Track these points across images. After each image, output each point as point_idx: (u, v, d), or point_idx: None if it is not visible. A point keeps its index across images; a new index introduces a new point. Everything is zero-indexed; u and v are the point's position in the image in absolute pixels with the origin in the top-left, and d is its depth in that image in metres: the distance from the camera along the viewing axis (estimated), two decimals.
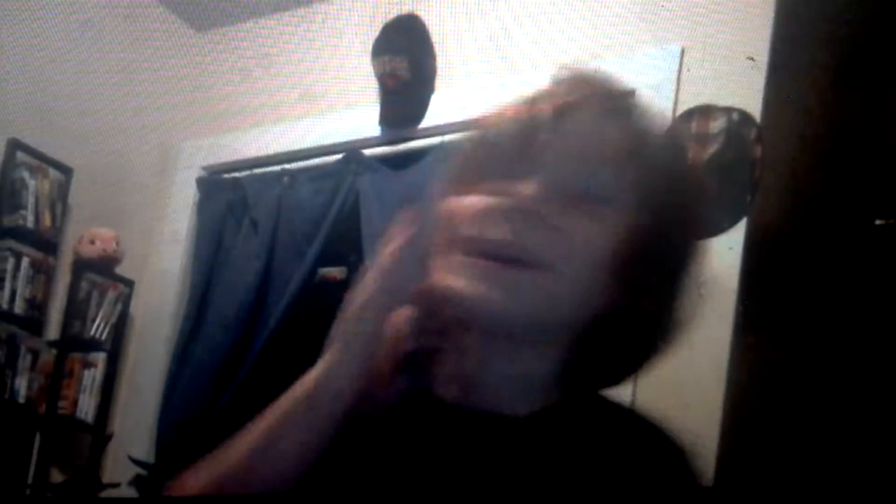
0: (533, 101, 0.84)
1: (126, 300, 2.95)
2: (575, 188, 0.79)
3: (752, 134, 2.21)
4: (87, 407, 2.84)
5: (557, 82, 0.86)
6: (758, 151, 2.18)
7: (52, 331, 2.86)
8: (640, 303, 0.81)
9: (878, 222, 1.39)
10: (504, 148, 0.82)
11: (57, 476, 2.82)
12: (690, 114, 2.33)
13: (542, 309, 0.77)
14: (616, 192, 0.80)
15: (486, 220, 0.78)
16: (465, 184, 0.82)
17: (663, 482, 0.77)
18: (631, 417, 0.84)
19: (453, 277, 0.77)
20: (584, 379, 0.83)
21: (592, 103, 0.83)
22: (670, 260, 0.83)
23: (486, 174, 0.81)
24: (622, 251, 0.79)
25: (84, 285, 2.86)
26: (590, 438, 0.79)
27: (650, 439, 0.80)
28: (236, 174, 3.04)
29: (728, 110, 2.27)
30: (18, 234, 2.75)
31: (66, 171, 2.87)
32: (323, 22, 2.95)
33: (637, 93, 2.36)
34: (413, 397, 0.82)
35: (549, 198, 0.78)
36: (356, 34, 2.76)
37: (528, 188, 0.78)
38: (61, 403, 2.80)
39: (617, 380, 0.85)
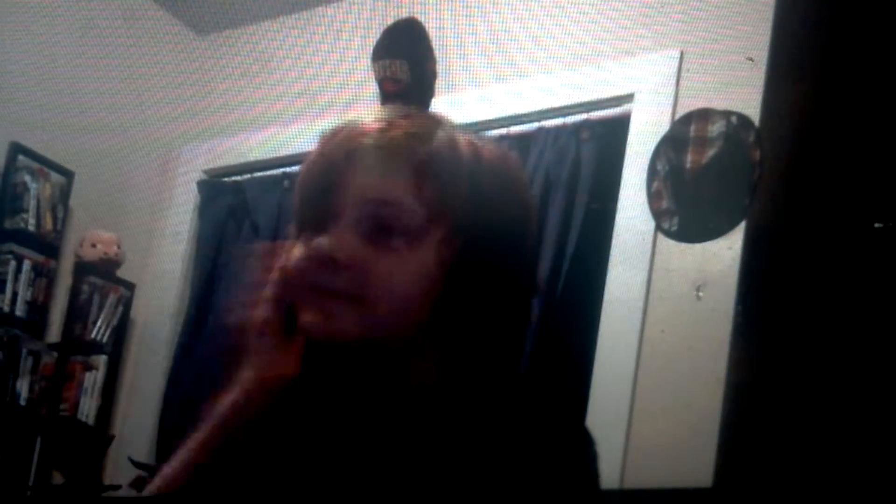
0: (330, 143, 0.89)
1: (127, 303, 2.95)
2: (368, 225, 0.85)
3: (751, 137, 2.22)
4: (87, 409, 2.84)
5: (351, 123, 0.90)
6: (757, 154, 2.19)
7: (54, 333, 2.86)
8: (466, 313, 0.85)
9: (876, 225, 1.39)
10: (312, 192, 0.89)
11: (58, 478, 2.82)
12: (689, 117, 2.33)
13: (368, 332, 0.84)
14: (411, 222, 0.84)
15: (307, 268, 0.85)
16: (296, 228, 0.90)
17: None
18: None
19: (306, 316, 0.84)
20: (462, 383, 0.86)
21: (380, 141, 0.87)
22: (489, 272, 0.86)
23: (303, 219, 0.89)
24: (435, 273, 0.84)
25: (85, 288, 2.86)
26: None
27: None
28: (237, 178, 3.05)
29: (727, 114, 2.27)
30: (20, 237, 2.75)
31: (68, 174, 2.87)
32: (323, 25, 2.95)
33: (635, 97, 2.38)
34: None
35: (345, 241, 0.84)
36: (356, 38, 2.77)
37: (331, 234, 0.84)
38: (62, 406, 2.80)
39: (494, 382, 0.87)
